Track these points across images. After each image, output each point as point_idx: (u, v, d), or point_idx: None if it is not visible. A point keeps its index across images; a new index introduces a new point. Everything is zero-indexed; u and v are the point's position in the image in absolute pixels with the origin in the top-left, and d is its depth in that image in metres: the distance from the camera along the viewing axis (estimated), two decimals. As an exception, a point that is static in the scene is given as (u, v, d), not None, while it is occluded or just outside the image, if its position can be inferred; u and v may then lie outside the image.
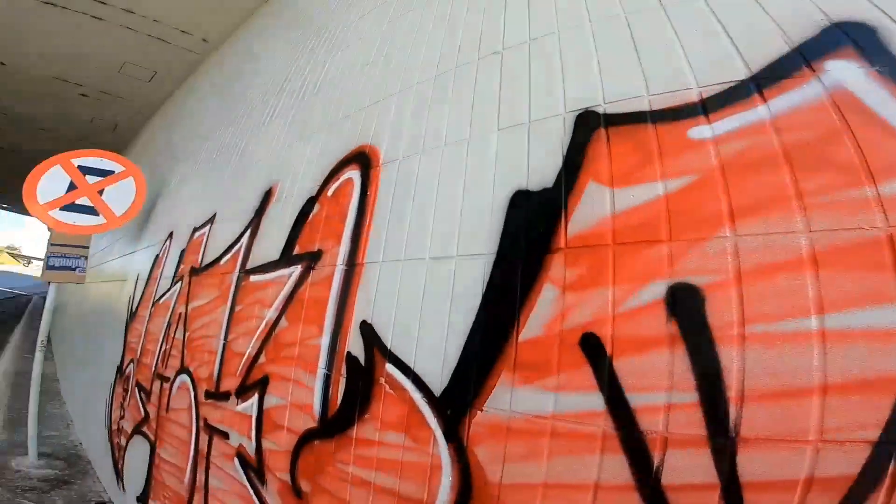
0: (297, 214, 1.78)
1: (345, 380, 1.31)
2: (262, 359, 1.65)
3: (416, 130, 1.44)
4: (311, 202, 1.75)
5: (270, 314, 1.68)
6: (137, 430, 2.72)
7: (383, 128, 1.58)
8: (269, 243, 1.87)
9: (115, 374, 3.41)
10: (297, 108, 2.31)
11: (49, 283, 3.64)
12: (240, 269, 1.99)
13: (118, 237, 5.06)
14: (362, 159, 1.60)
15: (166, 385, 2.39)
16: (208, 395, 1.95)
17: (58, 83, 6.58)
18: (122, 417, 3.04)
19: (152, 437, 2.49)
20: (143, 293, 3.29)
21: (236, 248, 2.10)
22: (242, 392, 1.72)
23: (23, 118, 8.37)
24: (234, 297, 1.94)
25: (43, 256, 3.62)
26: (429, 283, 1.21)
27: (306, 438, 1.41)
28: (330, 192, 1.67)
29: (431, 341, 1.15)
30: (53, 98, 7.12)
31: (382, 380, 1.22)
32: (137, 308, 3.29)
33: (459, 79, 1.39)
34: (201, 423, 1.99)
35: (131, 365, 3.06)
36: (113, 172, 3.98)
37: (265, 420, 1.59)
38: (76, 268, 3.58)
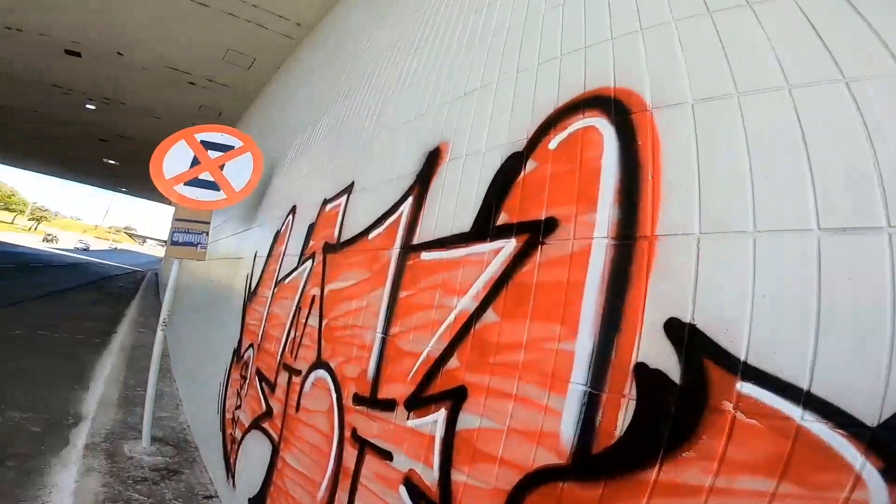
0: (493, 175, 1.33)
1: (634, 402, 0.83)
2: (454, 363, 1.21)
3: (711, 71, 0.96)
4: (516, 159, 1.28)
5: (464, 303, 1.23)
6: (256, 425, 2.45)
7: (637, 68, 1.10)
8: (449, 212, 1.43)
9: (231, 357, 3.23)
10: (451, 63, 1.87)
11: (172, 259, 3.57)
12: (402, 245, 1.58)
13: (230, 215, 5.04)
14: (607, 104, 1.11)
15: (296, 379, 2.06)
16: (360, 400, 1.56)
17: (169, 72, 6.99)
18: (237, 407, 2.82)
19: (275, 437, 2.18)
20: (262, 272, 3.07)
21: (392, 219, 1.70)
22: (419, 404, 1.29)
23: (140, 107, 8.99)
24: (397, 279, 1.54)
25: (167, 233, 3.54)
26: (829, 263, 0.68)
27: (542, 477, 0.95)
28: (553, 145, 1.19)
29: (851, 348, 0.64)
30: (165, 87, 7.57)
31: (728, 405, 0.73)
32: (257, 288, 3.07)
33: (773, 13, 0.92)
34: (347, 433, 1.60)
35: (251, 350, 2.83)
36: (232, 148, 3.87)
37: (458, 444, 1.14)
38: (198, 244, 3.46)
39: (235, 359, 3.11)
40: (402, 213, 1.65)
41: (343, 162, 2.44)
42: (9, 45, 6.87)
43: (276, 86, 5.96)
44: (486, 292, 1.17)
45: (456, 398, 1.18)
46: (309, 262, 2.32)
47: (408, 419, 1.33)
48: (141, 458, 3.29)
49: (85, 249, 53.25)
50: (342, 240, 2.02)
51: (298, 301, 2.30)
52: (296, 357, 2.13)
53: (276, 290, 2.72)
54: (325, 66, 3.82)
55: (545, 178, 1.16)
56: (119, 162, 15.31)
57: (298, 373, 2.06)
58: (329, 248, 2.12)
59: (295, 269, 2.50)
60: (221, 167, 3.73)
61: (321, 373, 1.84)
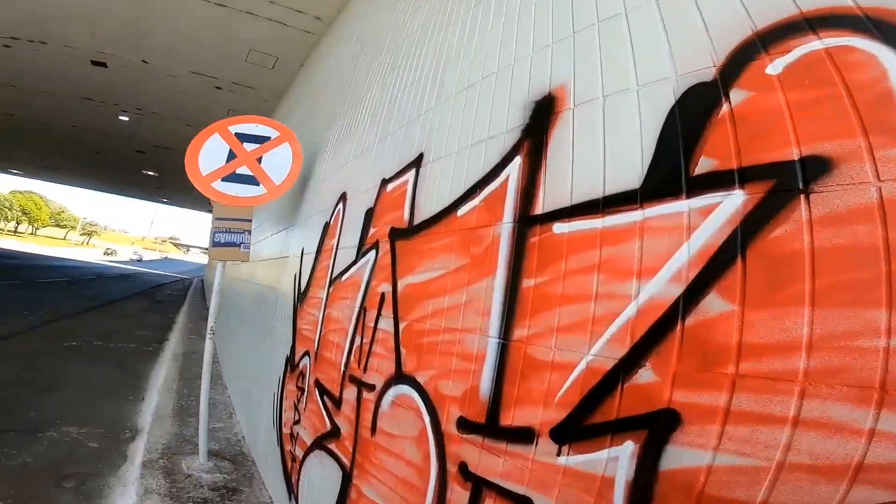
0: (667, 113, 0.89)
1: None
2: (648, 376, 0.79)
3: None
4: (704, 91, 0.85)
5: (654, 290, 0.80)
6: (320, 445, 2.09)
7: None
8: (594, 166, 1.01)
9: (283, 365, 2.90)
10: (537, 5, 1.44)
11: (216, 263, 3.26)
12: (519, 217, 1.15)
13: (268, 216, 4.75)
14: (856, 22, 0.72)
15: (369, 395, 1.68)
16: (469, 426, 1.15)
17: (195, 77, 6.89)
18: (296, 422, 2.48)
19: (346, 462, 1.81)
20: (313, 270, 2.71)
21: (493, 187, 1.28)
22: (581, 434, 0.88)
23: (171, 115, 8.89)
24: (517, 263, 1.11)
25: (208, 235, 3.23)
26: None
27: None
28: (774, 70, 0.77)
29: None
30: (193, 93, 7.45)
31: None
32: (308, 288, 2.72)
33: None
34: (451, 468, 1.20)
35: (306, 358, 2.48)
36: (269, 139, 3.53)
37: (665, 490, 0.73)
38: (241, 244, 3.14)
39: (289, 368, 2.77)
40: (507, 177, 1.22)
41: (402, 135, 2.03)
42: (36, 60, 6.84)
43: (302, 83, 5.69)
44: (701, 270, 0.74)
45: (656, 425, 0.75)
46: (371, 254, 1.93)
47: (559, 455, 0.91)
48: (199, 476, 3.02)
49: (139, 260, 56.21)
50: (416, 222, 1.61)
51: (362, 301, 1.91)
52: (365, 368, 1.74)
53: (331, 289, 2.35)
54: (358, 50, 3.44)
55: (779, 109, 0.73)
56: (158, 173, 15.49)
57: (371, 388, 1.67)
58: (398, 234, 1.72)
59: (353, 263, 2.12)
60: (259, 160, 3.40)
61: (404, 389, 1.45)
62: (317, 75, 4.83)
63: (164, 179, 16.60)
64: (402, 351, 1.50)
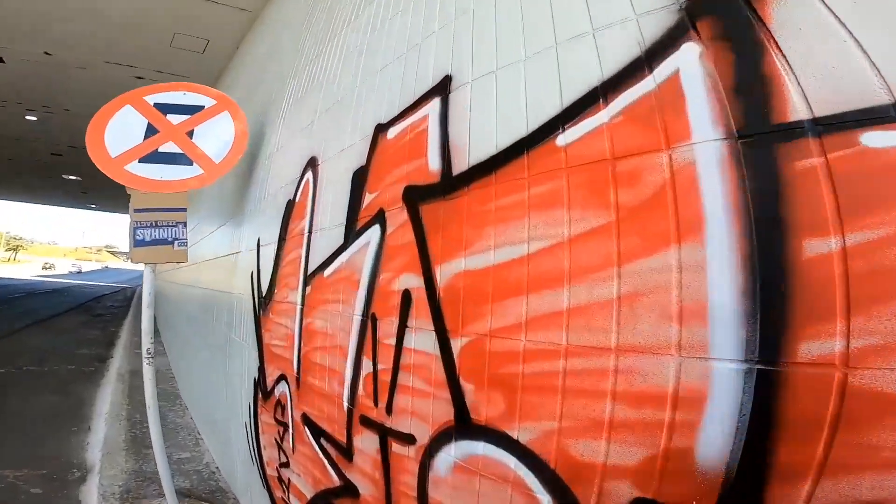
0: None
1: None
2: None
3: None
4: None
5: None
6: (328, 502, 1.44)
7: None
8: None
9: (252, 389, 2.18)
10: None
11: (144, 265, 2.43)
12: (739, 131, 0.54)
13: (208, 210, 3.88)
14: None
15: (405, 449, 1.04)
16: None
17: (110, 68, 5.74)
18: (283, 464, 1.80)
19: (372, 535, 1.18)
20: (276, 265, 1.99)
21: (636, 92, 0.65)
22: None
23: (87, 113, 7.45)
24: (764, 210, 0.51)
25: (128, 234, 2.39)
26: None
27: None
28: None
29: None
30: (109, 85, 6.14)
31: None
32: (271, 289, 2.00)
33: None
34: None
35: (283, 384, 1.78)
36: (202, 108, 2.70)
37: None
38: (174, 240, 2.32)
39: (260, 394, 2.06)
40: (674, 72, 0.61)
41: (406, 62, 1.34)
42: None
43: (240, 62, 4.75)
44: None
45: None
46: (372, 231, 1.26)
47: None
48: (171, 530, 2.29)
49: (78, 272, 52.68)
50: (458, 170, 0.96)
51: (366, 304, 1.25)
52: (389, 409, 1.10)
53: (307, 289, 1.65)
54: (311, 6, 2.66)
55: None
56: (80, 176, 13.52)
57: (407, 439, 1.03)
58: (423, 194, 1.06)
59: (342, 248, 1.44)
60: (190, 134, 2.57)
61: (481, 448, 0.83)
62: (260, 47, 3.94)
63: (89, 182, 14.56)
64: (466, 386, 0.87)
